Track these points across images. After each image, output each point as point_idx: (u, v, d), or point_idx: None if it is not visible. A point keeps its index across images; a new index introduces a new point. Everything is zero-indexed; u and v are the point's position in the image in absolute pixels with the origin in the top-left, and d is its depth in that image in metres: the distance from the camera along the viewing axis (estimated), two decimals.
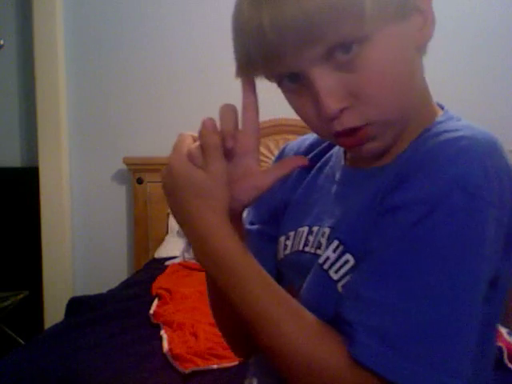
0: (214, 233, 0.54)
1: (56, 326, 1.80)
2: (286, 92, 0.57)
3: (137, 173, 2.82)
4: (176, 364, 1.36)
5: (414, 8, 0.54)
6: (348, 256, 0.56)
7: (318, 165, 0.70)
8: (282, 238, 0.69)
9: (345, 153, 0.67)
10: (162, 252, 2.64)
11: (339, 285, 0.56)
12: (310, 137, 0.75)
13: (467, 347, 0.48)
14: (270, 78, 0.56)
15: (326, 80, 0.52)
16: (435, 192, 0.48)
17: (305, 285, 0.60)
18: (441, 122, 0.57)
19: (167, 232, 2.77)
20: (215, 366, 1.35)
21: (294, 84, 0.55)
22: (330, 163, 0.69)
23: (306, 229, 0.65)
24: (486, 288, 0.50)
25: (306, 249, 0.64)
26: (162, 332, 1.59)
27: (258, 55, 0.53)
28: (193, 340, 1.51)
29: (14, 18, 2.95)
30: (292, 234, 0.67)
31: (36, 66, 2.79)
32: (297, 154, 0.73)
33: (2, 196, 2.90)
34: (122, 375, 1.32)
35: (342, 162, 0.66)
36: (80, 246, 2.94)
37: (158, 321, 1.70)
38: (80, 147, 2.92)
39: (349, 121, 0.53)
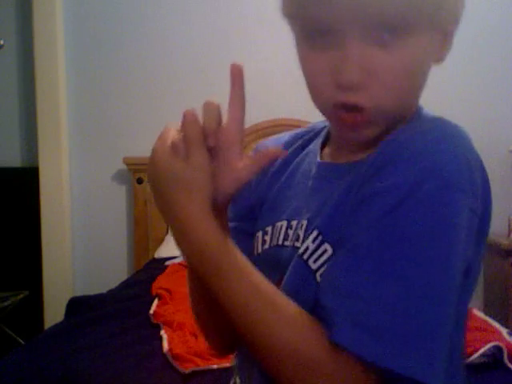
0: (196, 225, 0.53)
1: (56, 326, 1.80)
2: (309, 47, 0.56)
3: (137, 173, 2.82)
4: (176, 364, 1.36)
5: (442, 27, 0.57)
6: (326, 246, 0.57)
7: (296, 161, 0.71)
8: (259, 234, 0.69)
9: (321, 149, 0.68)
10: (162, 252, 2.64)
11: (317, 274, 0.57)
12: (285, 136, 0.76)
13: (443, 329, 0.49)
14: (303, 25, 0.56)
15: (359, 49, 0.52)
16: (409, 181, 0.49)
17: (285, 276, 0.61)
18: (416, 120, 0.59)
19: (167, 232, 2.77)
20: (215, 366, 1.35)
21: (321, 40, 0.54)
22: (307, 159, 0.69)
23: (284, 223, 0.65)
24: (460, 275, 0.51)
25: (286, 243, 0.64)
26: (162, 332, 1.59)
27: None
28: (193, 340, 1.51)
29: (14, 18, 2.95)
30: (269, 228, 0.67)
31: (36, 66, 2.80)
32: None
33: (2, 196, 2.90)
34: (122, 375, 1.32)
35: (318, 158, 0.67)
36: (80, 246, 2.94)
37: (158, 321, 1.70)
38: (80, 147, 2.92)
39: (358, 97, 0.54)
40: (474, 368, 1.26)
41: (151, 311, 1.79)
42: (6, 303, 2.55)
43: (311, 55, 0.56)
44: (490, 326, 1.62)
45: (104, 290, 2.24)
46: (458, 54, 2.77)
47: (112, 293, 2.16)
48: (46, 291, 2.82)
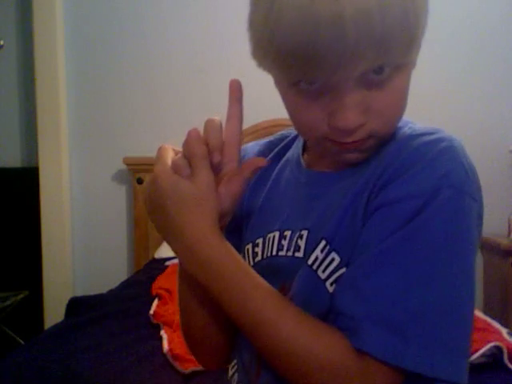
0: (207, 241, 0.54)
1: (56, 325, 1.80)
2: (296, 93, 0.54)
3: (137, 173, 2.82)
4: (176, 364, 1.36)
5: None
6: (334, 254, 0.57)
7: (276, 171, 0.70)
8: (249, 246, 0.68)
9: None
10: (162, 252, 2.64)
11: (327, 283, 0.57)
12: (254, 146, 0.75)
13: (467, 329, 0.51)
14: (286, 75, 0.53)
15: (355, 95, 0.52)
16: (426, 188, 0.51)
17: (294, 287, 0.60)
18: (401, 127, 0.60)
19: None
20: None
21: (310, 88, 0.53)
22: (288, 168, 0.69)
23: (276, 234, 0.64)
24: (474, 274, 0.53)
25: (280, 253, 0.63)
26: (162, 332, 1.59)
27: (314, 47, 0.47)
28: None
29: (14, 18, 2.95)
30: (260, 240, 0.66)
31: (36, 66, 2.79)
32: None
33: (2, 196, 2.90)
34: (122, 375, 1.32)
35: (304, 166, 0.67)
36: (80, 246, 2.94)
37: (158, 321, 1.70)
38: (80, 147, 2.92)
39: (360, 133, 0.54)
40: (474, 368, 1.26)
41: (151, 311, 1.79)
42: (5, 303, 2.55)
43: (302, 101, 0.54)
44: (490, 326, 1.62)
45: (104, 290, 2.24)
46: (458, 55, 2.78)
47: (112, 293, 2.16)
48: (46, 291, 2.82)
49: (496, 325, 1.63)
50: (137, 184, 2.82)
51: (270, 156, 0.72)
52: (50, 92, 2.81)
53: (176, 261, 2.48)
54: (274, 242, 0.64)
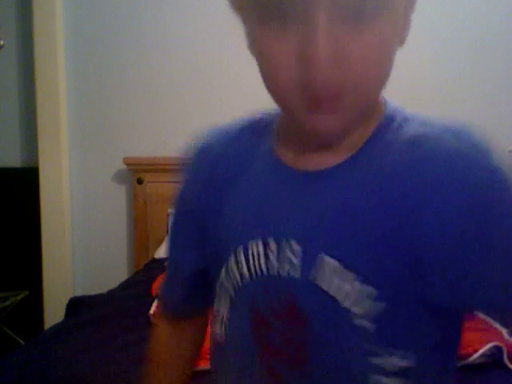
0: None
1: (56, 325, 1.80)
2: (268, 35, 0.49)
3: (137, 173, 2.81)
4: None
5: (402, 10, 0.52)
6: (370, 288, 0.50)
7: (245, 166, 0.62)
8: (232, 263, 0.58)
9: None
10: (162, 252, 2.64)
11: (357, 318, 0.50)
12: (212, 137, 0.67)
13: None
14: (258, 10, 0.49)
15: (328, 27, 0.46)
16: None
17: (310, 324, 0.52)
18: (394, 113, 0.56)
19: (167, 232, 2.76)
20: None
21: (282, 25, 0.48)
22: (261, 162, 0.61)
23: (259, 243, 0.56)
24: None
25: (272, 272, 0.55)
26: None
27: None
28: None
29: (14, 18, 2.94)
30: (241, 251, 0.58)
31: (36, 66, 2.79)
32: (205, 163, 0.65)
33: (2, 196, 2.90)
34: (122, 375, 1.32)
35: (282, 162, 0.58)
36: (80, 246, 2.94)
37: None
38: (80, 147, 2.92)
39: (332, 83, 0.47)
40: (474, 368, 1.26)
41: (151, 311, 1.79)
42: (5, 303, 2.55)
43: (270, 42, 0.49)
44: (490, 326, 1.62)
45: (104, 290, 2.24)
46: (459, 54, 2.78)
47: (112, 293, 2.16)
48: (46, 291, 2.81)
49: (496, 325, 1.63)
50: (137, 184, 2.82)
51: (234, 149, 0.64)
52: (50, 92, 2.81)
53: None
54: (259, 256, 0.56)
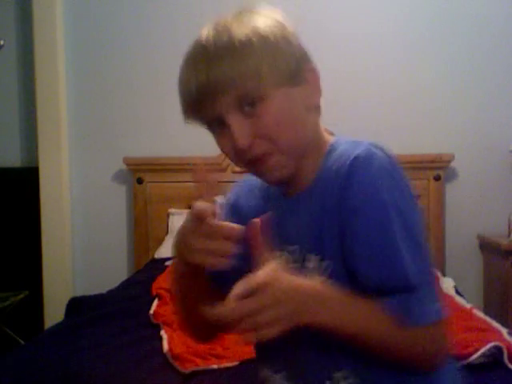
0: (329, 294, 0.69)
1: (56, 325, 1.80)
2: (214, 133, 0.75)
3: (137, 173, 2.82)
4: (176, 364, 1.36)
5: (304, 80, 0.74)
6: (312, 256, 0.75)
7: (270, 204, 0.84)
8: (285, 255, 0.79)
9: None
10: (162, 252, 2.64)
11: None
12: (240, 190, 0.89)
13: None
14: (203, 122, 0.75)
15: (238, 124, 0.71)
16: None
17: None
18: (338, 145, 0.76)
19: (167, 232, 2.77)
20: (215, 366, 1.35)
21: (220, 128, 0.73)
22: (274, 201, 0.83)
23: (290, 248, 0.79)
24: None
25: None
26: (162, 332, 1.58)
27: (190, 103, 0.73)
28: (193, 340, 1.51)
29: (14, 18, 2.95)
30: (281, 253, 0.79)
31: (36, 66, 2.80)
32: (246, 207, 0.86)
33: (2, 196, 2.90)
34: (122, 375, 1.31)
35: (282, 194, 0.82)
36: (80, 246, 2.94)
37: (158, 321, 1.70)
38: (80, 147, 2.92)
39: (256, 150, 0.72)
40: (474, 368, 1.26)
41: (151, 311, 1.79)
42: (5, 303, 2.55)
43: (217, 138, 0.75)
44: (490, 326, 1.62)
45: (104, 290, 2.24)
46: (459, 55, 2.78)
47: (112, 293, 2.16)
48: (46, 291, 2.82)
49: (496, 325, 1.63)
50: (137, 184, 2.82)
51: (262, 195, 0.87)
52: (49, 92, 2.81)
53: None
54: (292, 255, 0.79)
